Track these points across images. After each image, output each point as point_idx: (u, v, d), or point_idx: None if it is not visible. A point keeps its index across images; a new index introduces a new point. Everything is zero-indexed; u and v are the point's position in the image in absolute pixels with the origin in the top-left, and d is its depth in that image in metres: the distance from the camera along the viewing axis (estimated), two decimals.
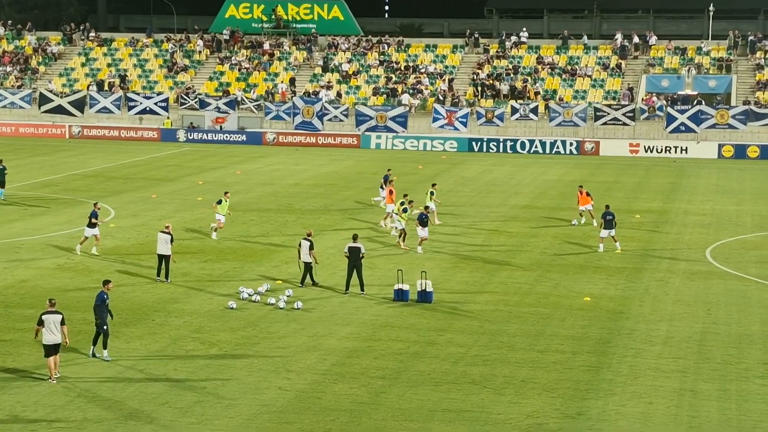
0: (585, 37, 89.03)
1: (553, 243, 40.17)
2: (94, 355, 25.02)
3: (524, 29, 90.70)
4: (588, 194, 44.25)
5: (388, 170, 50.47)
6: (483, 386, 23.38)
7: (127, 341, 26.58)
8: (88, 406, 21.86)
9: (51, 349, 23.23)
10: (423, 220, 37.64)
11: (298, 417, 21.37)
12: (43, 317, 23.32)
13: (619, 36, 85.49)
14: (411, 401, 22.35)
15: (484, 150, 73.70)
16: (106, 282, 25.67)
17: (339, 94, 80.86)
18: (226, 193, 41.77)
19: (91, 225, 36.78)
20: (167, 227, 33.31)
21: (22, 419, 21.05)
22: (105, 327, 24.75)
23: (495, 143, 73.82)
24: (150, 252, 35.92)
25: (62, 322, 23.30)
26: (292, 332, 27.57)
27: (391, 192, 43.57)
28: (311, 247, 32.19)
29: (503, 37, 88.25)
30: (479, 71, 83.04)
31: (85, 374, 23.89)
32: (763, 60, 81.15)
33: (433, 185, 44.81)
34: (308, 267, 32.35)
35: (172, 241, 32.78)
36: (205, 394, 22.61)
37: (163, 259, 32.80)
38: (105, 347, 24.89)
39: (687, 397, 22.80)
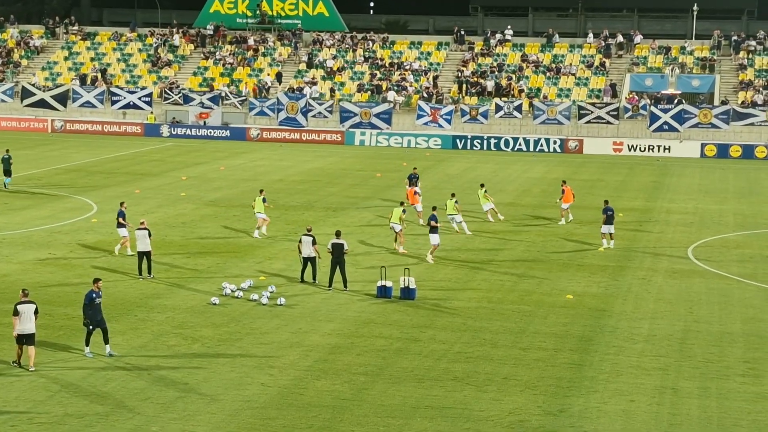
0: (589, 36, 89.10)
1: (537, 240, 40.25)
2: (92, 354, 24.79)
3: (509, 27, 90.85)
4: (567, 190, 43.97)
5: (414, 168, 50.23)
6: (465, 383, 23.42)
7: (109, 336, 26.45)
8: (69, 401, 21.78)
9: (25, 339, 23.77)
10: (433, 226, 35.82)
11: (280, 413, 21.35)
12: (19, 307, 23.73)
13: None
14: (393, 398, 22.36)
15: (468, 147, 73.79)
16: (95, 280, 25.33)
17: (333, 90, 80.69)
18: (261, 191, 41.54)
19: (120, 225, 35.93)
20: (142, 223, 33.21)
21: (3, 413, 20.95)
22: (90, 327, 24.60)
23: (479, 140, 73.91)
24: (132, 247, 35.79)
25: (35, 312, 23.97)
26: (274, 328, 27.54)
27: (415, 193, 44.03)
28: (314, 242, 32.14)
29: (488, 35, 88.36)
30: (464, 68, 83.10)
31: (67, 369, 23.80)
32: (746, 60, 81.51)
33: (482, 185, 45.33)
34: (312, 261, 32.25)
35: (150, 235, 32.63)
36: (187, 390, 22.56)
37: (144, 255, 32.64)
38: (106, 342, 24.80)
39: (668, 395, 22.90)
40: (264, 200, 39.93)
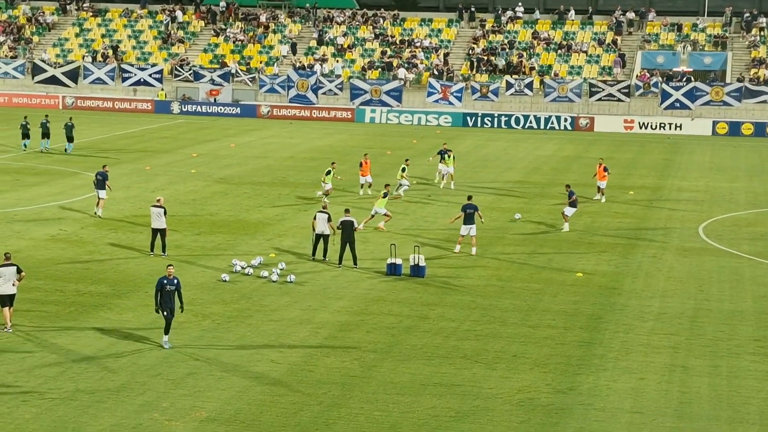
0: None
1: (546, 218, 40.18)
2: (169, 345, 23.84)
3: (519, 4, 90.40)
4: (606, 169, 44.13)
5: (444, 144, 50.26)
6: (474, 361, 23.45)
7: (119, 313, 26.58)
8: (80, 377, 21.88)
9: (6, 300, 24.66)
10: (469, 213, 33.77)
11: (290, 390, 21.42)
12: (1, 269, 24.59)
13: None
14: (402, 375, 22.41)
15: (479, 125, 73.59)
16: (167, 267, 24.25)
17: (348, 67, 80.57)
18: (333, 163, 41.85)
19: (100, 186, 37.97)
20: (159, 201, 33.23)
21: (14, 389, 21.07)
22: (165, 314, 23.56)
23: (489, 118, 73.70)
24: (143, 224, 35.89)
25: (18, 271, 24.86)
26: (284, 305, 27.60)
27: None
28: (329, 219, 32.10)
29: (499, 12, 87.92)
30: (475, 46, 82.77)
31: (78, 345, 23.90)
32: (758, 37, 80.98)
33: (406, 161, 45.55)
34: (325, 239, 32.21)
35: (165, 213, 32.69)
36: (197, 367, 22.64)
37: (158, 233, 32.68)
38: (166, 333, 23.82)
39: (678, 373, 22.89)
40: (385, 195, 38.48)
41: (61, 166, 50.86)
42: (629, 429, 19.80)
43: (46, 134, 56.10)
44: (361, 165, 44.83)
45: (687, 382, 22.33)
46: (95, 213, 38.45)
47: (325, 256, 32.38)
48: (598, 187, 44.34)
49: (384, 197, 37.43)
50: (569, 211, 37.66)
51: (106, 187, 38.50)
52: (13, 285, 24.77)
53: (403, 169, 44.04)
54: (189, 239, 35.30)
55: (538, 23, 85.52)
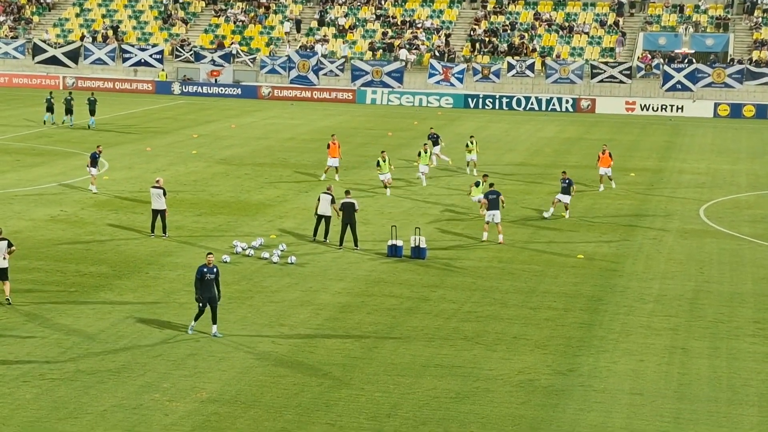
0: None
1: (548, 200, 40.13)
2: (193, 331, 23.49)
3: None
4: (610, 155, 42.16)
5: (431, 128, 50.16)
6: (475, 342, 23.48)
7: (120, 294, 26.62)
8: (81, 357, 21.93)
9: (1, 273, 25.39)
10: (493, 201, 32.84)
11: (291, 371, 21.46)
12: None
13: None
14: (403, 356, 22.44)
15: (480, 106, 73.47)
16: (207, 255, 23.65)
17: (350, 48, 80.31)
18: (382, 152, 41.48)
19: (93, 165, 39.05)
20: (158, 181, 33.19)
21: (15, 369, 21.12)
22: (201, 304, 23.07)
23: (491, 100, 73.56)
24: (144, 204, 35.89)
25: (9, 245, 25.49)
26: (285, 287, 27.62)
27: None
28: (332, 201, 32.10)
29: None
30: (476, 27, 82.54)
31: (78, 326, 23.94)
32: (760, 19, 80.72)
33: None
34: (327, 220, 32.20)
35: (165, 194, 32.66)
36: (198, 347, 22.68)
37: (159, 214, 32.65)
38: (214, 322, 23.23)
39: (678, 355, 22.93)
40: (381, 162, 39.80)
41: (62, 147, 50.81)
42: (629, 410, 19.85)
43: (69, 111, 58.22)
44: (328, 146, 43.69)
45: (687, 364, 22.37)
46: (90, 189, 39.36)
47: (326, 237, 32.37)
48: (602, 175, 42.14)
49: (476, 186, 36.50)
50: (564, 198, 37.00)
51: (98, 165, 39.64)
52: (4, 258, 25.28)
53: (378, 164, 41.04)
54: (190, 220, 35.30)
55: (539, 4, 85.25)
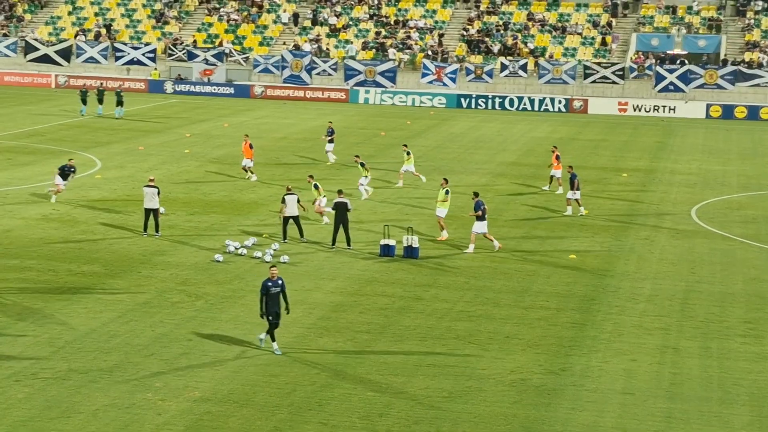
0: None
1: (540, 200, 40.21)
2: (264, 344, 22.64)
3: None
4: (557, 157, 41.65)
5: (330, 122, 50.13)
6: (468, 342, 23.52)
7: (112, 293, 26.60)
8: (73, 356, 21.91)
9: None
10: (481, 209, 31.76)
11: (283, 370, 21.47)
12: None
13: None
14: (396, 356, 22.47)
15: (473, 106, 73.54)
16: (271, 268, 22.81)
17: (342, 47, 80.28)
18: (405, 145, 41.35)
19: (63, 175, 37.44)
20: (151, 180, 33.16)
21: (6, 369, 21.08)
22: (270, 318, 22.06)
23: (484, 100, 73.63)
24: (136, 204, 35.84)
25: None
26: None
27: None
28: (298, 200, 32.14)
29: None
30: (469, 27, 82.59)
31: (71, 325, 23.92)
32: (752, 21, 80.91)
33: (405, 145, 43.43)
34: (296, 220, 32.21)
35: (159, 193, 32.64)
36: (190, 347, 22.68)
37: (151, 212, 32.61)
38: (273, 339, 22.42)
39: (669, 355, 23.00)
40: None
41: (54, 146, 50.73)
42: (621, 410, 19.91)
43: (120, 102, 62.04)
44: (251, 146, 43.19)
45: (678, 364, 22.44)
46: (49, 192, 37.90)
47: (301, 235, 32.26)
48: (551, 177, 41.85)
49: (316, 188, 34.66)
50: (572, 195, 37.34)
51: (68, 179, 37.82)
52: None
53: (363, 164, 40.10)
54: (182, 219, 35.28)
55: (532, 5, 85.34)
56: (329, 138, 47.88)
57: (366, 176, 39.50)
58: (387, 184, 42.28)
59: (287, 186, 33.57)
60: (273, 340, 22.43)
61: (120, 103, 61.92)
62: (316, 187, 34.55)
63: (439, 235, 32.88)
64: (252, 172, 43.02)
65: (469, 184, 43.12)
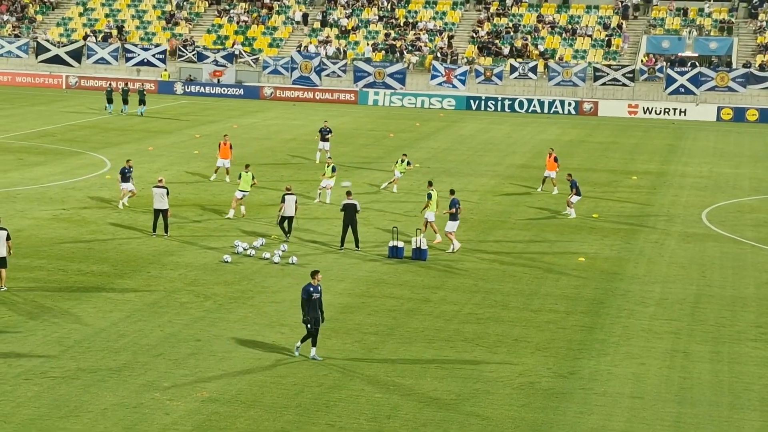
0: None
1: (549, 203, 40.13)
2: (297, 350, 22.30)
3: None
4: (556, 159, 41.98)
5: (325, 122, 49.93)
6: (476, 344, 23.46)
7: (121, 292, 26.62)
8: (82, 355, 21.92)
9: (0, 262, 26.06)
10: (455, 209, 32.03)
11: (291, 371, 21.44)
12: None
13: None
14: (403, 358, 22.43)
15: (482, 108, 73.46)
16: (313, 273, 22.37)
17: (352, 48, 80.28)
18: (247, 166, 41.20)
19: (125, 180, 36.51)
20: (160, 181, 33.18)
21: (16, 367, 21.11)
22: (309, 326, 21.81)
23: (493, 102, 73.55)
24: (146, 204, 35.88)
25: (8, 237, 26.16)
26: (286, 287, 27.60)
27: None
28: (295, 200, 32.21)
29: None
30: (479, 29, 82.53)
31: (80, 325, 23.94)
32: (764, 23, 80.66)
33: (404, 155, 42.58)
34: (290, 220, 32.29)
35: (168, 194, 32.66)
36: (199, 347, 22.68)
37: (161, 213, 32.64)
38: (314, 345, 22.07)
39: (679, 359, 22.90)
40: (252, 177, 36.59)
41: (64, 146, 50.83)
42: (630, 414, 19.83)
43: (125, 100, 64.57)
44: (219, 146, 42.97)
45: (688, 368, 22.35)
46: (120, 205, 37.03)
47: (289, 233, 32.29)
48: (544, 178, 42.01)
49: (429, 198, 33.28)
50: (574, 199, 37.39)
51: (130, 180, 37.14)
52: (9, 251, 26.19)
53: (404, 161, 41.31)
54: (191, 220, 35.28)
55: (543, 6, 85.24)
56: (324, 137, 47.78)
57: (331, 178, 38.76)
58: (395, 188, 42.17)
59: (287, 186, 33.58)
60: (313, 345, 22.05)
61: (143, 101, 64.12)
62: (429, 196, 32.75)
63: (434, 239, 32.52)
64: (223, 173, 42.56)
65: (477, 186, 43.07)
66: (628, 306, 26.80)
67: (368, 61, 76.44)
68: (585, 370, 21.98)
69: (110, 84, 68.66)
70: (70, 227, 33.76)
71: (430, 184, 33.73)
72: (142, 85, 70.36)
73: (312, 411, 19.48)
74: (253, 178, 36.28)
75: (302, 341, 22.25)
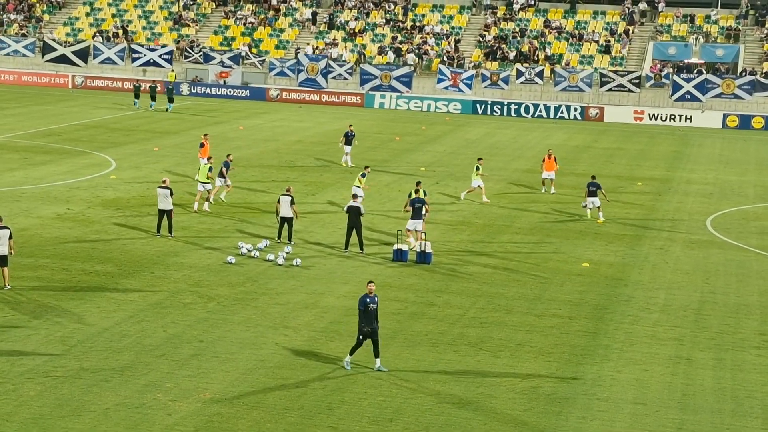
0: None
1: (554, 208, 40.11)
2: (350, 366, 21.87)
3: None
4: (555, 160, 43.10)
5: (350, 126, 50.02)
6: (479, 348, 23.44)
7: (125, 293, 26.63)
8: (85, 355, 21.93)
9: (2, 260, 26.17)
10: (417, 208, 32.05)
11: (294, 373, 21.44)
12: None
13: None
14: (407, 361, 22.41)
15: (488, 113, 73.42)
16: (368, 282, 22.13)
17: (360, 55, 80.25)
18: (479, 159, 41.28)
19: (221, 175, 37.95)
20: (164, 181, 33.20)
21: (19, 366, 21.12)
22: (361, 337, 21.47)
23: (499, 106, 73.53)
24: (151, 205, 35.92)
25: (10, 236, 26.25)
26: (290, 289, 27.60)
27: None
28: (292, 202, 32.13)
29: None
30: (486, 33, 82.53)
31: (83, 324, 23.95)
32: None
33: (479, 160, 41.97)
34: (289, 222, 32.26)
35: (171, 194, 32.68)
36: (202, 348, 22.68)
37: (165, 214, 32.65)
38: (376, 356, 21.72)
39: (682, 365, 22.87)
40: (210, 169, 37.01)
41: (70, 146, 50.89)
42: (632, 420, 19.80)
43: (170, 98, 67.16)
44: (202, 145, 42.87)
45: (691, 375, 22.31)
46: (220, 198, 38.08)
47: (290, 239, 32.23)
48: (545, 179, 42.80)
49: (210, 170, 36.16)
50: (589, 202, 37.78)
51: (226, 175, 38.13)
52: (10, 250, 26.25)
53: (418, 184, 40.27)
54: (195, 221, 35.31)
55: (549, 12, 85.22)
56: (349, 141, 47.86)
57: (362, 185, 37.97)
58: (400, 191, 42.16)
59: (287, 187, 33.57)
60: (376, 356, 21.70)
61: (171, 99, 67.03)
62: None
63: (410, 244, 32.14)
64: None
65: (483, 190, 43.02)
66: (631, 312, 26.77)
67: (368, 63, 76.46)
68: (588, 376, 21.95)
69: (138, 81, 71.05)
70: (75, 227, 33.79)
71: (418, 184, 33.69)
72: (170, 83, 72.00)
73: (315, 413, 19.47)
74: (210, 170, 36.97)
75: (351, 353, 21.89)
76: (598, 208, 37.69)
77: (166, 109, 66.41)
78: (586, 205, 37.94)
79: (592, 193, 37.63)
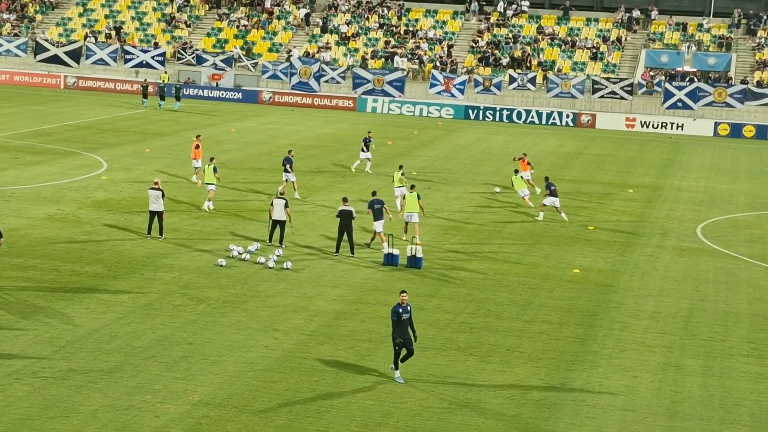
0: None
1: (546, 214, 40.14)
2: (396, 371, 21.60)
3: None
4: (529, 163, 43.91)
5: (369, 132, 50.58)
6: (468, 353, 23.45)
7: (115, 294, 26.58)
8: (74, 356, 21.88)
9: None
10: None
11: (283, 376, 21.42)
12: None
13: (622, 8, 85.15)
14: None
15: (481, 118, 73.52)
16: (401, 293, 21.95)
17: (351, 55, 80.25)
18: (212, 159, 41.14)
19: (286, 171, 39.51)
20: (156, 183, 33.13)
21: (7, 367, 21.06)
22: (397, 347, 21.27)
23: (491, 112, 73.62)
24: (141, 206, 35.87)
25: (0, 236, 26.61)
26: (280, 292, 27.59)
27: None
28: (286, 205, 32.12)
29: (504, 5, 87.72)
30: (479, 39, 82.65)
31: (72, 325, 23.90)
32: (763, 40, 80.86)
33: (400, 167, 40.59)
34: (281, 225, 32.24)
35: (163, 196, 32.62)
36: (191, 350, 22.65)
37: (156, 215, 32.60)
38: (396, 367, 21.54)
39: (671, 372, 22.91)
40: (215, 170, 37.66)
41: (61, 146, 50.79)
42: (621, 426, 19.82)
43: (178, 97, 68.80)
44: (198, 147, 42.88)
45: (680, 382, 22.35)
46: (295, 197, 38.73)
47: (281, 242, 32.22)
48: (526, 181, 43.02)
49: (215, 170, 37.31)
50: (549, 201, 38.35)
51: (290, 170, 39.59)
52: None
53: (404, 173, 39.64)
54: (187, 223, 35.27)
55: (543, 18, 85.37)
56: (367, 146, 47.83)
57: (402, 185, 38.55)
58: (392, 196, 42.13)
59: (280, 190, 33.56)
60: (395, 368, 21.52)
61: (178, 97, 68.68)
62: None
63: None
64: (195, 172, 42.90)
65: (474, 196, 43.08)
66: (621, 318, 26.81)
67: (360, 67, 76.50)
68: (577, 382, 21.98)
69: (146, 80, 72.52)
70: (65, 227, 33.72)
71: (412, 188, 33.95)
72: (179, 81, 73.88)
73: (303, 417, 19.45)
74: (215, 171, 37.72)
75: (396, 365, 21.51)
76: (557, 208, 38.09)
77: (176, 108, 68.10)
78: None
79: (553, 193, 38.24)
